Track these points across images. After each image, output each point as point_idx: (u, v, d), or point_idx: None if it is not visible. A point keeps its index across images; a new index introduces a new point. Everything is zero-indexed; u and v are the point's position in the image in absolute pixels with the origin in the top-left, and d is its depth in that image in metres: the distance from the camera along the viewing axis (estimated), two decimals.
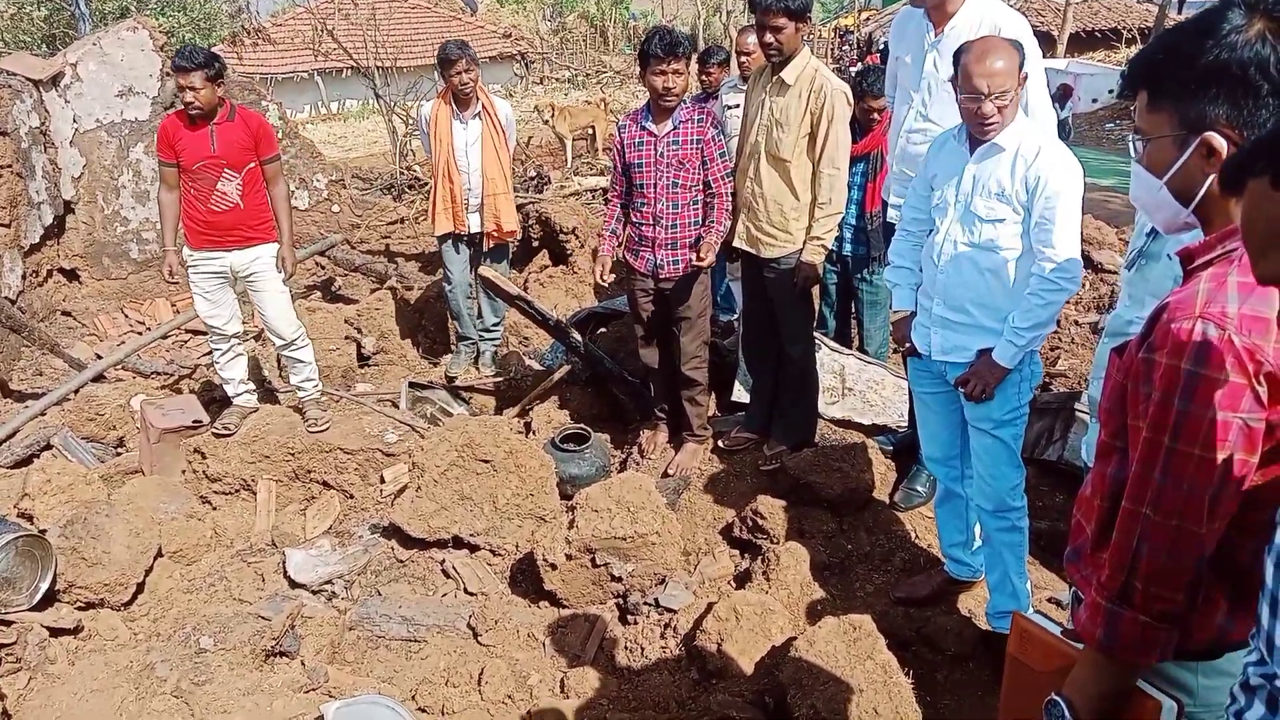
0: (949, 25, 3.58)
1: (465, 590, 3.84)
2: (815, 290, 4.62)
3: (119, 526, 3.94)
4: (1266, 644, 1.22)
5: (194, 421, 4.93)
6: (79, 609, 3.77)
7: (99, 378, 6.10)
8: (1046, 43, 19.49)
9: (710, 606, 3.41)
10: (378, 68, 12.42)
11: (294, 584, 4.01)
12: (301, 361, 4.98)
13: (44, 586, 3.68)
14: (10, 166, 6.84)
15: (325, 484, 4.77)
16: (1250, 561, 1.46)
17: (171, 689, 3.19)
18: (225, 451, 4.74)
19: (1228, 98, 1.46)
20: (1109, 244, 7.14)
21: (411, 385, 5.68)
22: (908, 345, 3.32)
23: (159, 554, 4.10)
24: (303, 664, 3.45)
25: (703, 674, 3.26)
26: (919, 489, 4.16)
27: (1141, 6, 24.94)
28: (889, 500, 4.19)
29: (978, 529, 3.45)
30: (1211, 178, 1.50)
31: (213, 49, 4.73)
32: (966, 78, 2.84)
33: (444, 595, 3.87)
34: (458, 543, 4.04)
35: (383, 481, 4.71)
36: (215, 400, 5.48)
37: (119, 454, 5.31)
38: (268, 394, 5.59)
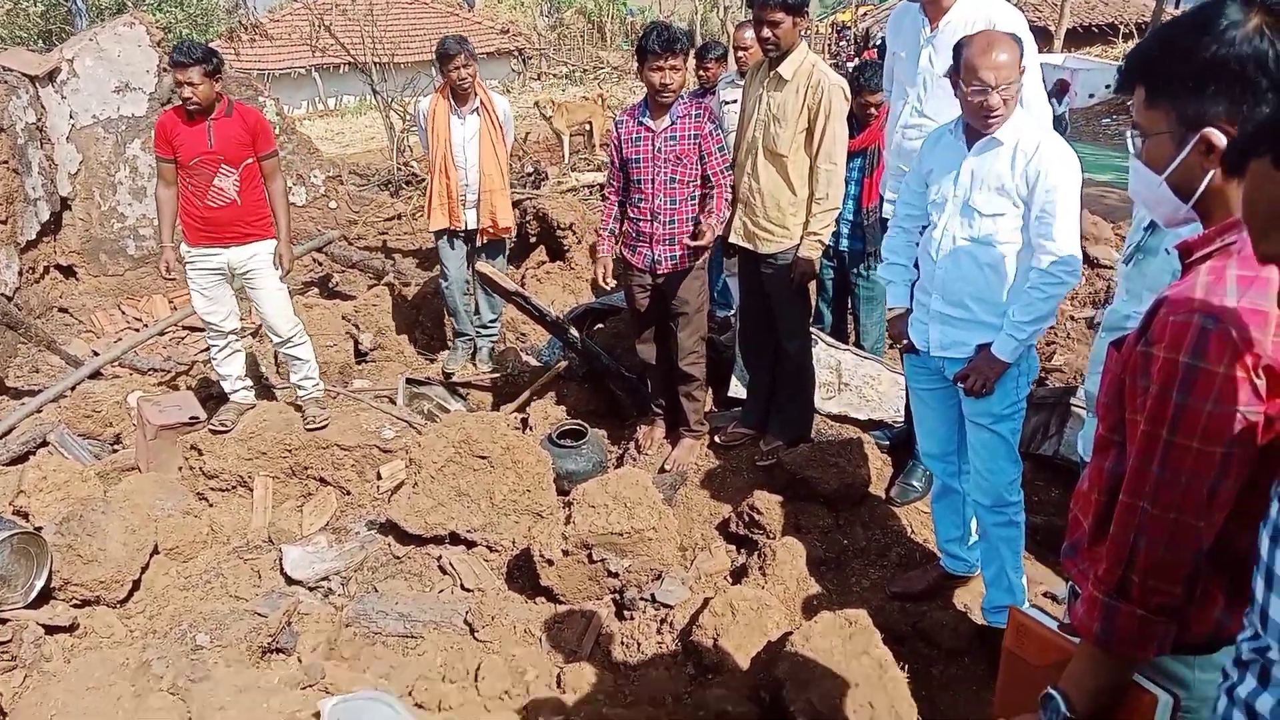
0: (944, 20, 3.58)
1: (462, 586, 3.84)
2: (812, 286, 4.61)
3: (115, 523, 3.94)
4: (1261, 617, 1.23)
5: (191, 418, 4.92)
6: (75, 606, 3.77)
7: (96, 374, 6.08)
8: (1043, 38, 19.50)
9: (706, 602, 3.41)
10: (375, 63, 12.42)
11: (290, 581, 4.01)
12: (300, 359, 4.97)
13: (39, 584, 3.68)
14: (6, 163, 6.82)
15: (322, 480, 4.76)
16: (1248, 554, 1.46)
17: (168, 686, 3.18)
18: (222, 448, 4.73)
19: (1226, 94, 1.45)
20: (1105, 239, 7.15)
21: (409, 381, 5.67)
22: (905, 342, 3.32)
23: (155, 551, 4.09)
24: (299, 661, 3.45)
25: (699, 669, 3.25)
26: (915, 484, 4.16)
27: (1139, 2, 24.92)
28: (885, 495, 4.19)
29: (974, 524, 3.45)
30: (1211, 173, 1.49)
31: (210, 44, 4.71)
32: (971, 70, 2.83)
33: (441, 591, 3.86)
34: (454, 539, 4.04)
35: (380, 478, 4.69)
36: (212, 397, 5.47)
37: (115, 451, 5.30)
38: (265, 390, 5.59)
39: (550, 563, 3.66)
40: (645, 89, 4.25)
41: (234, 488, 4.73)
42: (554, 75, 25.18)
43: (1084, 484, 1.75)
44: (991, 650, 3.13)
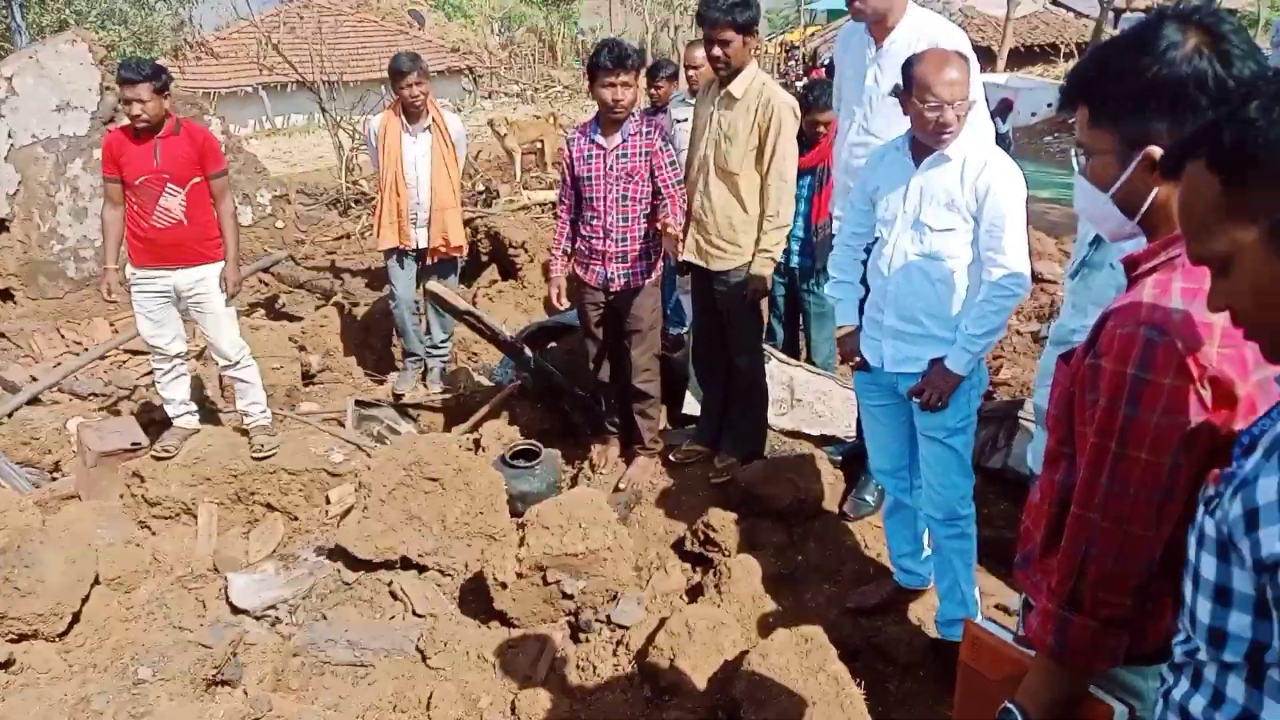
0: (888, 40, 3.62)
1: (414, 612, 3.77)
2: (764, 302, 4.63)
3: (54, 554, 3.81)
4: (1190, 619, 1.24)
5: (132, 444, 4.80)
6: (11, 641, 3.63)
7: (34, 400, 5.92)
8: (987, 57, 19.89)
9: (663, 622, 3.38)
10: (324, 82, 12.30)
11: (236, 610, 3.91)
12: (246, 382, 4.87)
13: None
14: None
15: (269, 506, 4.66)
16: None
17: None
18: (165, 474, 4.61)
19: (1168, 113, 1.48)
20: (1049, 254, 7.28)
21: (358, 403, 5.59)
22: (857, 359, 3.33)
23: (96, 582, 3.96)
24: (245, 693, 3.35)
25: (655, 691, 3.22)
26: (868, 498, 4.18)
27: (1079, 22, 25.55)
28: (839, 510, 4.20)
29: (926, 538, 3.47)
30: (1155, 190, 1.51)
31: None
32: (926, 87, 2.85)
33: (392, 618, 3.79)
34: (406, 563, 3.97)
35: (328, 502, 4.61)
36: (155, 421, 5.33)
37: (54, 479, 5.15)
38: (210, 414, 5.47)
39: (504, 586, 3.61)
40: (597, 107, 4.24)
41: (177, 515, 4.61)
42: (505, 94, 25.16)
43: (1035, 496, 1.76)
44: (946, 664, 3.14)
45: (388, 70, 5.58)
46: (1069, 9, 26.55)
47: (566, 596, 3.62)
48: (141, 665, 3.40)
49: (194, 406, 5.02)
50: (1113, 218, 1.61)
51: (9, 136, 7.45)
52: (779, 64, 26.34)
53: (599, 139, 4.23)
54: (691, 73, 5.53)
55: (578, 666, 3.44)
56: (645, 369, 4.47)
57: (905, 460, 3.40)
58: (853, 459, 4.46)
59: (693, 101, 4.89)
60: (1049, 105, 18.38)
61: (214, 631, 3.67)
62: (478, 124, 15.33)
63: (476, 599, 3.81)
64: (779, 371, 4.82)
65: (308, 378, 6.39)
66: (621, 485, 4.52)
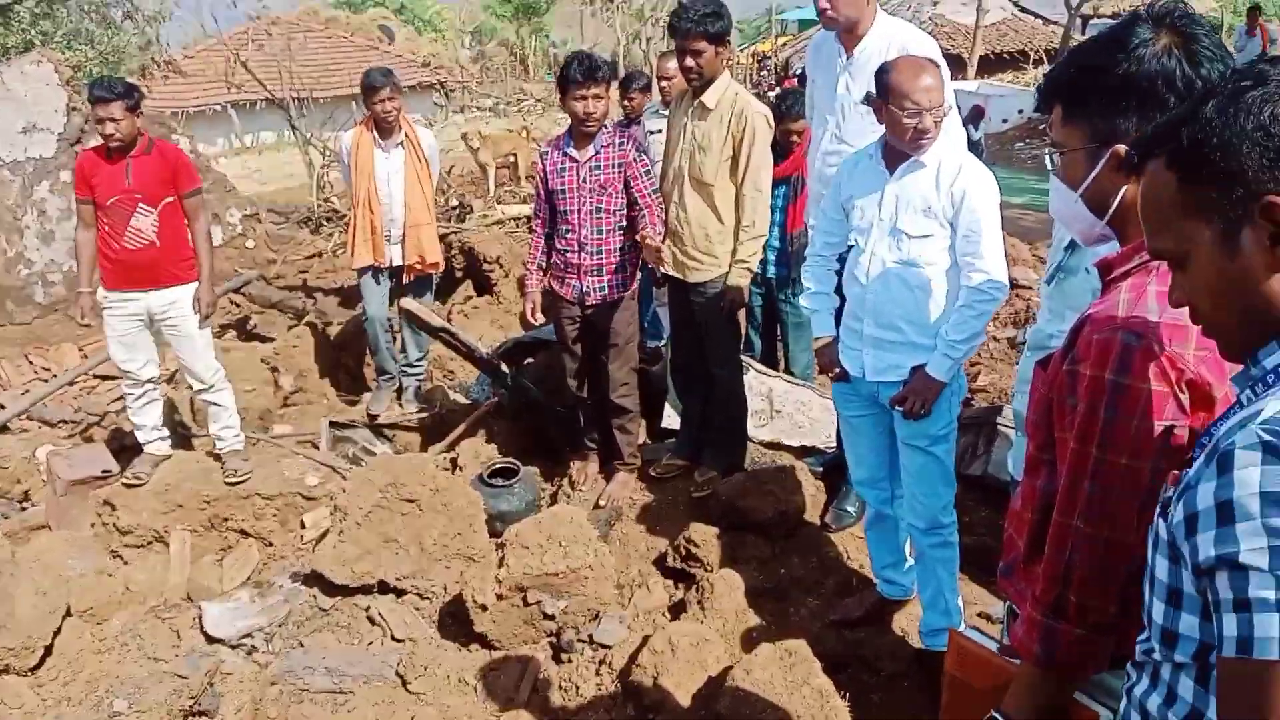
0: (859, 48, 3.62)
1: (392, 637, 3.71)
2: (742, 313, 4.61)
3: (24, 586, 3.73)
4: (1148, 619, 1.25)
5: (103, 471, 4.71)
6: None
7: (2, 428, 5.83)
8: (957, 65, 20.07)
9: (646, 640, 3.34)
10: (294, 99, 12.22)
11: (211, 639, 3.83)
12: (220, 406, 4.80)
13: None
14: None
15: (243, 532, 4.59)
16: None
17: None
18: (137, 502, 4.53)
19: (1137, 110, 1.50)
20: (1023, 260, 7.33)
21: (332, 425, 5.52)
22: (837, 370, 3.31)
23: (68, 613, 3.88)
24: None
25: (639, 710, 3.18)
26: (849, 509, 4.16)
27: (1047, 29, 25.83)
28: (820, 522, 4.18)
29: (909, 547, 3.45)
30: (1124, 189, 1.52)
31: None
32: (904, 95, 2.85)
33: (370, 643, 3.73)
34: (383, 588, 3.91)
35: (303, 527, 4.54)
36: (126, 448, 5.24)
37: (24, 509, 5.05)
38: (182, 439, 5.39)
39: (484, 608, 3.56)
40: (569, 120, 4.22)
41: (150, 543, 4.52)
42: (477, 108, 25.12)
43: (1017, 503, 1.75)
44: (930, 674, 3.13)
45: (360, 86, 5.54)
46: (1037, 15, 26.83)
47: (548, 617, 3.58)
48: (117, 698, 3.35)
49: (166, 432, 4.95)
50: (1083, 218, 1.62)
51: None
52: (751, 74, 26.47)
53: (572, 152, 4.21)
54: (664, 84, 5.53)
55: (560, 687, 3.39)
56: (623, 383, 4.45)
57: (885, 471, 3.38)
58: (833, 470, 4.44)
59: (666, 113, 4.88)
60: (1020, 112, 18.55)
61: (190, 662, 3.62)
62: (450, 138, 15.26)
63: (456, 622, 3.76)
64: (758, 383, 4.80)
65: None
66: (601, 502, 4.49)
